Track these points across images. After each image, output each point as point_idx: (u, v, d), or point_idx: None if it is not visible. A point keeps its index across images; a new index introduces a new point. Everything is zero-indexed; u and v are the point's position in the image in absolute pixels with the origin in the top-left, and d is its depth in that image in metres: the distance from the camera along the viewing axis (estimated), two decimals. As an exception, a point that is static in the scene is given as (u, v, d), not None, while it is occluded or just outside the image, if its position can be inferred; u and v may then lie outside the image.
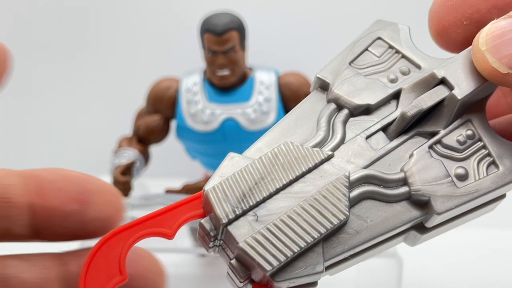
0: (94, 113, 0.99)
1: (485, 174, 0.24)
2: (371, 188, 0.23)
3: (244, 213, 0.22)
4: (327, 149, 0.24)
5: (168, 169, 0.92)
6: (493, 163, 0.24)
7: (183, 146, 0.81)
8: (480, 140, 0.25)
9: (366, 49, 0.27)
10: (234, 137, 0.75)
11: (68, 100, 1.00)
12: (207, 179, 0.80)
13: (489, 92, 0.25)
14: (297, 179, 0.23)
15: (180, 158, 0.86)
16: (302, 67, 0.79)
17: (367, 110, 0.25)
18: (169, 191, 0.75)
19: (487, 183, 0.24)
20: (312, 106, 0.26)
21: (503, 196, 0.25)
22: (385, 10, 0.93)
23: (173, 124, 0.78)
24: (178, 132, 0.77)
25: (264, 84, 0.75)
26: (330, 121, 0.25)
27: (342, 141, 0.24)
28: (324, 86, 0.26)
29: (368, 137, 0.25)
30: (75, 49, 0.98)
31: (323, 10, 0.93)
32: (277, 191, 0.23)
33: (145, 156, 0.78)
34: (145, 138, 0.78)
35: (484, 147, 0.25)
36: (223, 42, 0.70)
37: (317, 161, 0.23)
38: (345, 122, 0.25)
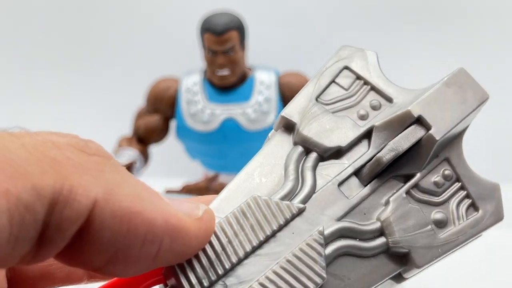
0: (94, 112, 0.99)
1: (464, 219, 0.23)
2: (346, 243, 0.22)
3: (212, 284, 0.20)
4: (297, 201, 0.22)
5: (168, 169, 0.92)
6: (473, 205, 0.23)
7: (183, 146, 0.81)
8: (458, 180, 0.23)
9: (333, 81, 0.25)
10: (234, 137, 0.75)
11: (67, 100, 1.00)
12: (207, 179, 0.80)
13: (466, 126, 0.24)
14: (267, 239, 0.21)
15: (180, 158, 0.86)
16: (302, 67, 0.79)
17: (337, 152, 0.23)
18: (169, 192, 0.75)
19: (467, 229, 0.23)
20: (277, 150, 0.24)
21: (480, 236, 0.24)
22: (385, 11, 0.93)
23: (173, 124, 0.78)
24: (178, 132, 0.77)
25: (264, 84, 0.75)
26: (299, 167, 0.23)
27: (313, 191, 0.22)
28: (289, 126, 0.24)
29: (340, 183, 0.23)
30: (75, 49, 0.98)
31: (323, 10, 0.93)
32: (247, 255, 0.21)
33: (145, 156, 0.78)
34: (145, 138, 0.78)
35: (462, 187, 0.23)
36: (223, 42, 0.70)
37: (288, 217, 0.21)
38: (314, 168, 0.23)
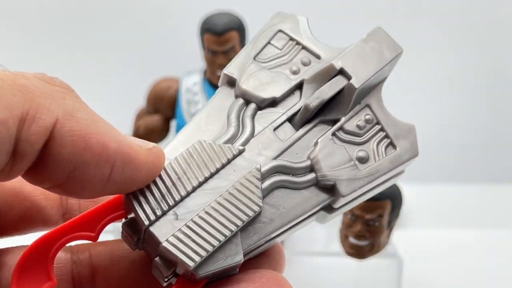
0: (94, 113, 0.99)
1: (384, 155, 0.26)
2: (281, 178, 0.25)
3: (164, 213, 0.23)
4: (238, 144, 0.25)
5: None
6: (391, 144, 0.26)
7: (183, 146, 0.81)
8: (378, 123, 0.27)
9: (269, 43, 0.28)
10: (234, 137, 0.74)
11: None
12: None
13: (385, 76, 0.27)
14: (212, 175, 0.24)
15: (180, 158, 0.86)
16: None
17: (273, 102, 0.27)
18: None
19: (386, 163, 0.26)
20: (221, 102, 0.27)
21: (402, 172, 0.27)
22: (384, 8, 0.93)
23: (173, 124, 0.78)
24: (178, 132, 0.77)
25: (264, 84, 0.75)
26: (239, 116, 0.26)
27: (251, 135, 0.26)
28: (231, 82, 0.27)
29: (275, 128, 0.26)
30: (74, 49, 0.98)
31: (323, 10, 0.93)
32: (194, 189, 0.24)
33: (145, 156, 0.78)
34: (145, 138, 0.78)
35: (382, 129, 0.27)
36: (223, 42, 0.70)
37: (229, 157, 0.24)
38: (253, 116, 0.26)
